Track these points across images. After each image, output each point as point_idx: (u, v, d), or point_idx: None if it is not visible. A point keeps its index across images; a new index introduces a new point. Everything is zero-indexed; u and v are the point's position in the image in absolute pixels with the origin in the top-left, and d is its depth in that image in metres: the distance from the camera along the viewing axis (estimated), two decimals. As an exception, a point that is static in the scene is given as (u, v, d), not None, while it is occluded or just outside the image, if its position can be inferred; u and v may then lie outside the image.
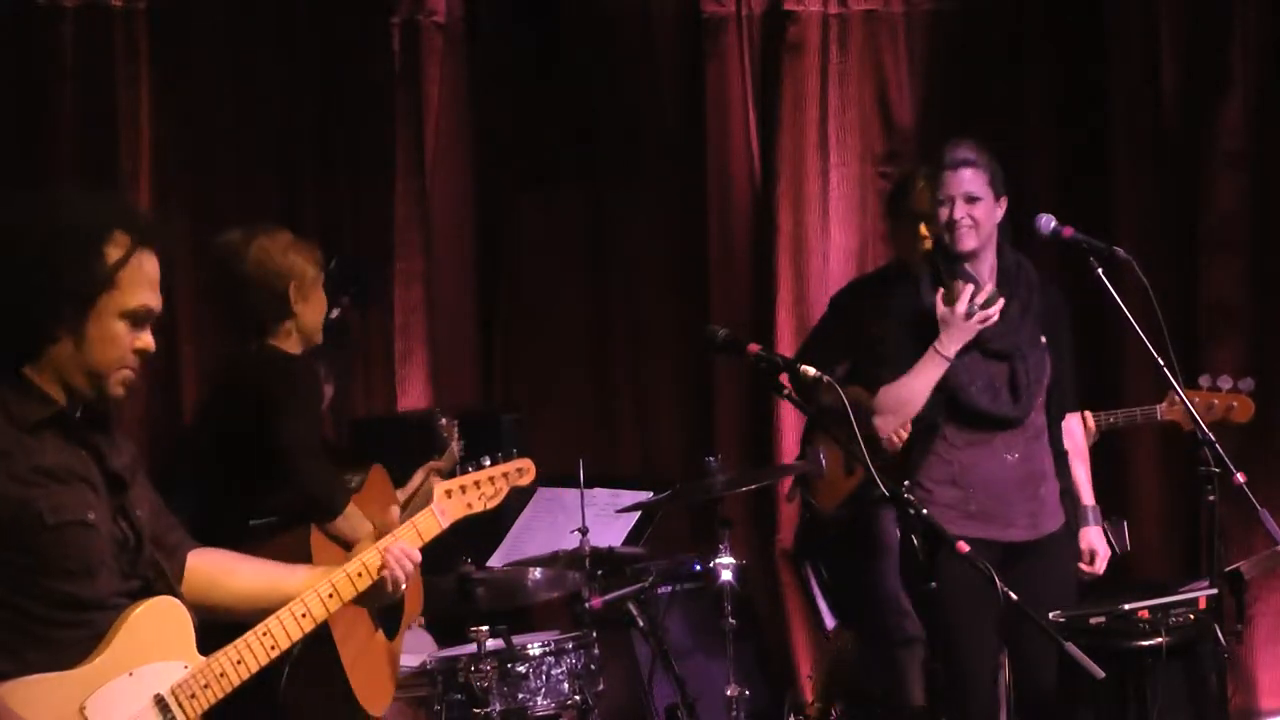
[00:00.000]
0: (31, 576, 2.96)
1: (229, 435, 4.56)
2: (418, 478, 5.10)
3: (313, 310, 4.68)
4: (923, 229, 5.83)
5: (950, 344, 4.96)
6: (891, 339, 5.09)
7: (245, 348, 4.66)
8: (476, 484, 3.75)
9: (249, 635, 3.19)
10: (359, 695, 4.48)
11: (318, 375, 4.86)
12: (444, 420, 5.47)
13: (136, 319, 3.07)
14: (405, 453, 5.26)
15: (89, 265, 3.01)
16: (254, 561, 3.38)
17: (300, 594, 3.28)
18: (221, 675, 3.12)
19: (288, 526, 4.44)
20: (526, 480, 3.94)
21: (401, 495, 5.03)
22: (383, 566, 3.37)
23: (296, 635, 3.24)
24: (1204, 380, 5.67)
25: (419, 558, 3.42)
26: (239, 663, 3.15)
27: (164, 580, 3.15)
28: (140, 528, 3.12)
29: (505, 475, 3.84)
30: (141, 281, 3.07)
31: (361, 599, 3.36)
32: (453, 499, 3.67)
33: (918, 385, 4.98)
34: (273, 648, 3.20)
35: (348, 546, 4.50)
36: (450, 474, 5.15)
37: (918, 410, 5.00)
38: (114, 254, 3.04)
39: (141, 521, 3.13)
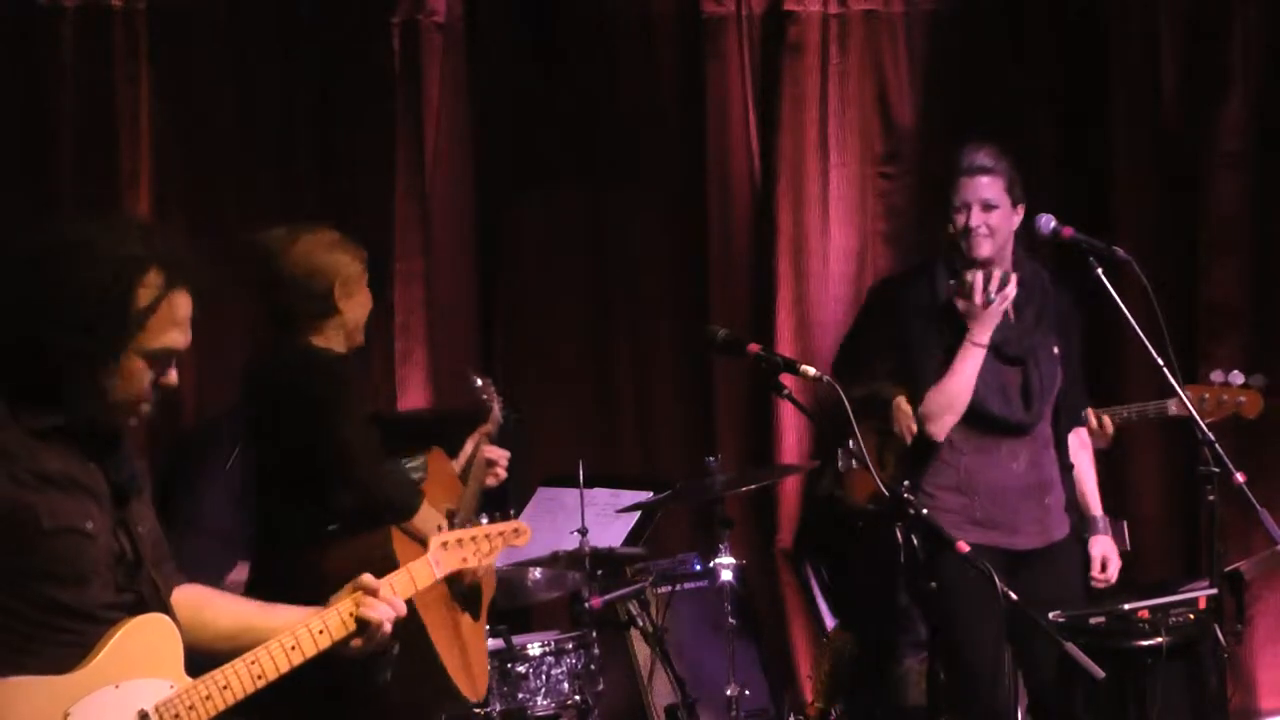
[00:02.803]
0: (24, 580, 2.95)
1: (286, 440, 4.53)
2: (469, 447, 5.06)
3: (357, 308, 4.67)
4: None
5: (981, 332, 4.94)
6: (914, 340, 5.08)
7: (288, 347, 4.64)
8: (473, 539, 3.78)
9: (237, 662, 3.17)
10: (458, 683, 4.54)
11: (361, 374, 4.83)
12: (479, 382, 5.32)
13: (159, 359, 3.04)
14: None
15: (119, 310, 2.97)
16: (235, 600, 3.36)
17: (279, 632, 3.25)
18: (207, 698, 3.11)
19: (366, 529, 4.46)
20: (521, 541, 3.98)
21: (454, 467, 5.02)
22: (366, 611, 3.33)
23: (285, 667, 3.22)
24: (1215, 375, 5.66)
25: (404, 609, 3.39)
26: (225, 688, 3.13)
27: (159, 598, 3.14)
28: (139, 543, 3.11)
29: (501, 534, 3.87)
30: (169, 324, 3.03)
31: (349, 640, 3.34)
32: (449, 551, 3.70)
33: (960, 381, 4.95)
34: (259, 677, 3.18)
35: (424, 542, 4.54)
36: (497, 436, 5.16)
37: (965, 406, 4.97)
38: (145, 297, 2.99)
39: (141, 537, 3.12)
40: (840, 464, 6.04)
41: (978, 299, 4.92)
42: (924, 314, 5.05)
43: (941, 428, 4.99)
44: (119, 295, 2.98)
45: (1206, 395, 5.65)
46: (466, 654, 4.66)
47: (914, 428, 5.53)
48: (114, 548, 3.06)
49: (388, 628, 3.33)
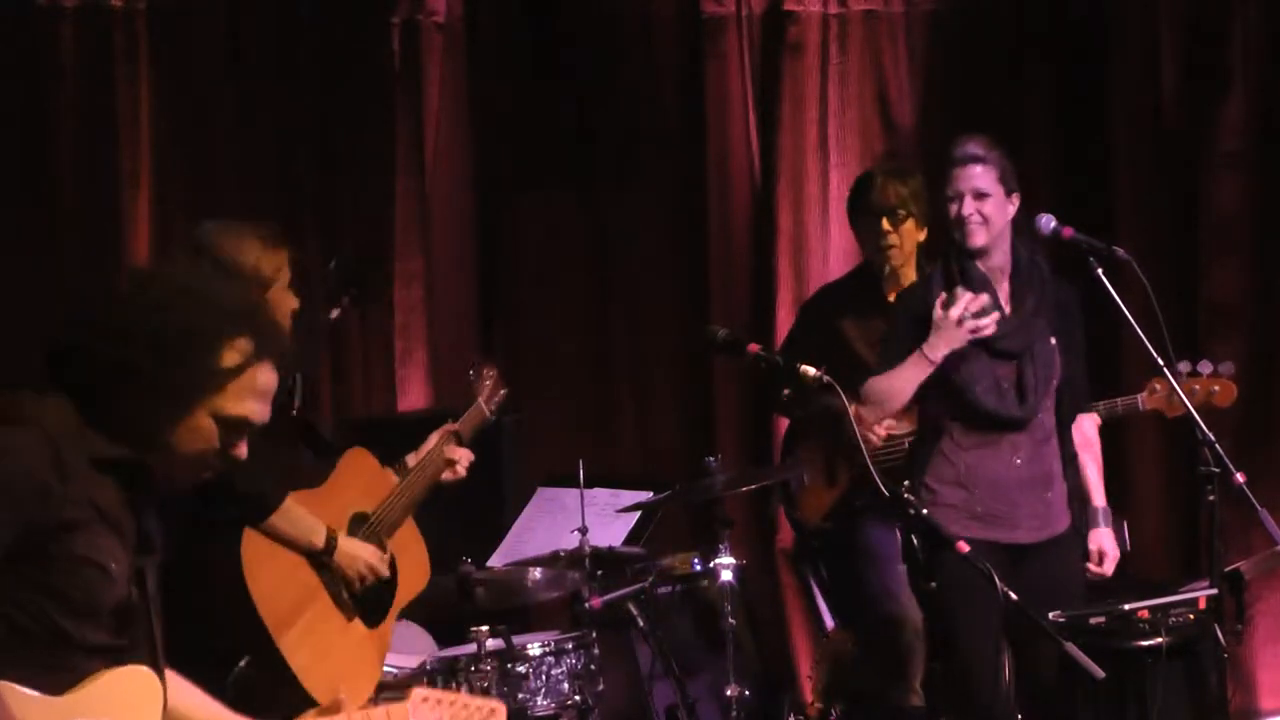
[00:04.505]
0: (37, 595, 2.95)
1: None
2: (432, 440, 4.98)
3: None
4: (885, 223, 5.84)
5: (937, 347, 4.95)
6: (893, 332, 5.10)
7: None
8: (453, 703, 3.71)
9: None
10: (307, 683, 4.41)
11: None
12: (483, 369, 5.24)
13: (231, 426, 3.03)
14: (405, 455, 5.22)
15: (199, 366, 2.98)
16: (205, 697, 3.35)
17: None
18: None
19: (229, 526, 4.40)
20: None
21: (413, 459, 4.94)
22: None
23: None
24: (1184, 366, 5.65)
25: None
26: None
27: (153, 652, 3.14)
28: (149, 596, 3.12)
29: (479, 709, 3.81)
30: (249, 393, 3.02)
31: None
32: (428, 706, 3.64)
33: (899, 383, 4.99)
34: None
35: (292, 545, 4.50)
36: (474, 434, 5.09)
37: (900, 405, 5.02)
38: (231, 359, 3.00)
39: (151, 591, 3.12)
40: (792, 482, 6.04)
41: (954, 312, 4.92)
42: (916, 316, 5.07)
43: (869, 414, 5.09)
44: (208, 347, 2.99)
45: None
46: (336, 658, 4.54)
47: (880, 431, 5.57)
48: (122, 594, 3.05)
49: None
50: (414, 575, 4.84)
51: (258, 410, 3.05)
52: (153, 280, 3.10)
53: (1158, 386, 5.65)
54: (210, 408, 3.00)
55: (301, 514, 4.52)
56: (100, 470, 2.98)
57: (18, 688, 2.93)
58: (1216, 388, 5.66)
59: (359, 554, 4.63)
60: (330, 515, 4.63)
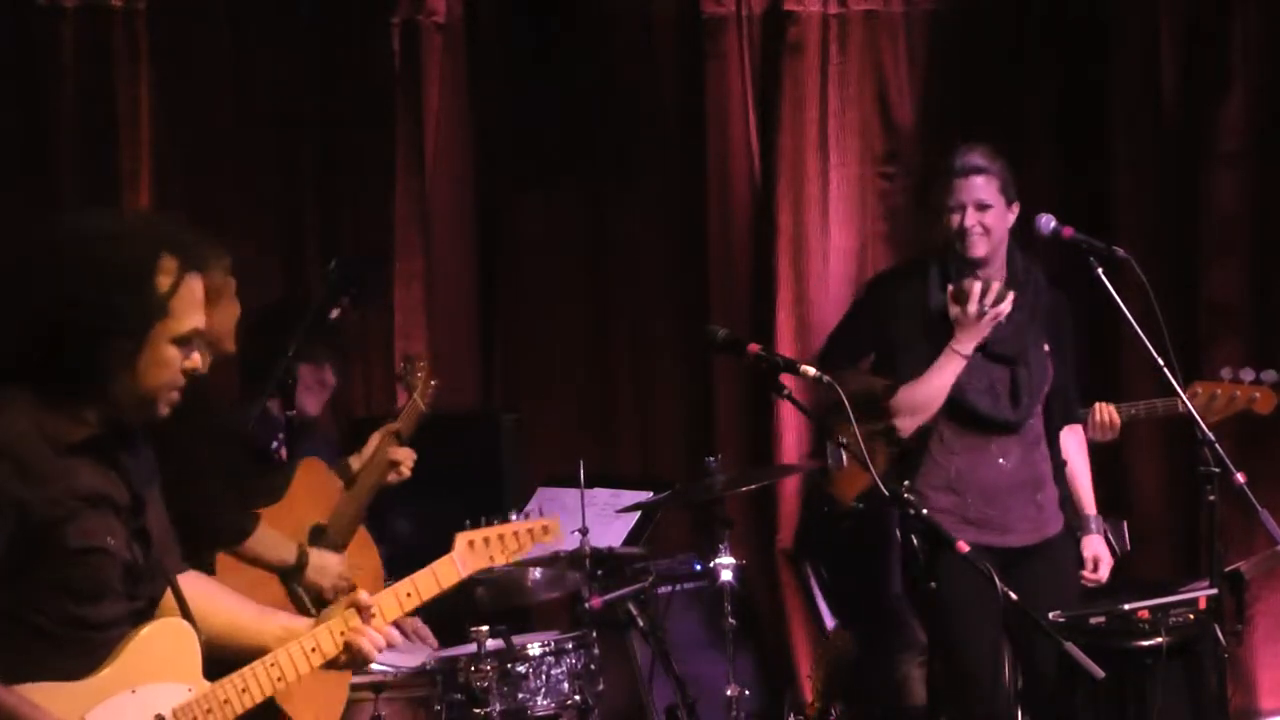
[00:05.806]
0: (44, 593, 2.98)
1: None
2: (372, 443, 4.96)
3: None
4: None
5: (966, 342, 4.96)
6: (902, 339, 5.10)
7: None
8: (500, 537, 3.69)
9: (256, 665, 3.18)
10: (292, 713, 4.33)
11: (208, 388, 4.64)
12: (415, 363, 5.18)
13: (186, 342, 3.07)
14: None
15: (143, 299, 3.01)
16: (234, 597, 3.36)
17: (270, 641, 3.25)
18: (225, 702, 3.12)
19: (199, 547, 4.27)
20: (550, 539, 3.86)
21: (356, 463, 4.93)
22: (354, 638, 3.30)
23: (305, 669, 3.22)
24: (1225, 372, 5.65)
25: (397, 639, 3.38)
26: (244, 691, 3.15)
27: (170, 598, 3.15)
28: (153, 549, 3.13)
29: (530, 531, 3.78)
30: (190, 305, 3.07)
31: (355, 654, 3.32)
32: (475, 550, 3.63)
33: (936, 385, 4.98)
34: (279, 679, 3.19)
35: (265, 565, 4.49)
36: (408, 438, 5.00)
37: (937, 409, 4.99)
38: (165, 282, 3.03)
39: (154, 542, 3.14)
40: (830, 461, 6.04)
41: (972, 308, 4.93)
42: (914, 314, 5.07)
43: (907, 426, 5.03)
44: (144, 281, 3.02)
45: (1218, 392, 5.65)
46: (308, 677, 4.46)
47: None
48: (126, 558, 3.06)
49: (373, 656, 3.32)
50: (369, 587, 4.76)
51: (201, 320, 3.09)
52: (60, 238, 3.09)
53: (1199, 390, 5.65)
54: (166, 334, 3.03)
55: (274, 535, 4.51)
56: (71, 454, 2.99)
57: (47, 685, 2.95)
58: (1257, 395, 5.67)
59: (329, 565, 4.63)
60: (291, 530, 4.62)
